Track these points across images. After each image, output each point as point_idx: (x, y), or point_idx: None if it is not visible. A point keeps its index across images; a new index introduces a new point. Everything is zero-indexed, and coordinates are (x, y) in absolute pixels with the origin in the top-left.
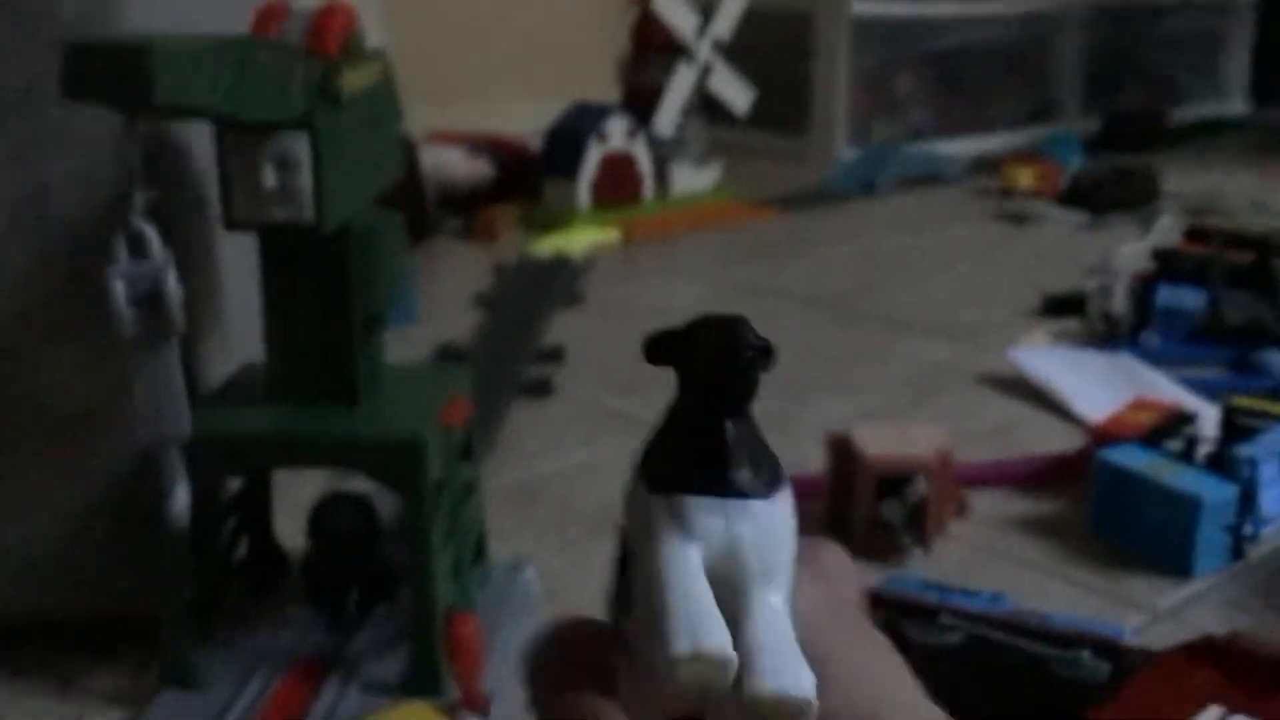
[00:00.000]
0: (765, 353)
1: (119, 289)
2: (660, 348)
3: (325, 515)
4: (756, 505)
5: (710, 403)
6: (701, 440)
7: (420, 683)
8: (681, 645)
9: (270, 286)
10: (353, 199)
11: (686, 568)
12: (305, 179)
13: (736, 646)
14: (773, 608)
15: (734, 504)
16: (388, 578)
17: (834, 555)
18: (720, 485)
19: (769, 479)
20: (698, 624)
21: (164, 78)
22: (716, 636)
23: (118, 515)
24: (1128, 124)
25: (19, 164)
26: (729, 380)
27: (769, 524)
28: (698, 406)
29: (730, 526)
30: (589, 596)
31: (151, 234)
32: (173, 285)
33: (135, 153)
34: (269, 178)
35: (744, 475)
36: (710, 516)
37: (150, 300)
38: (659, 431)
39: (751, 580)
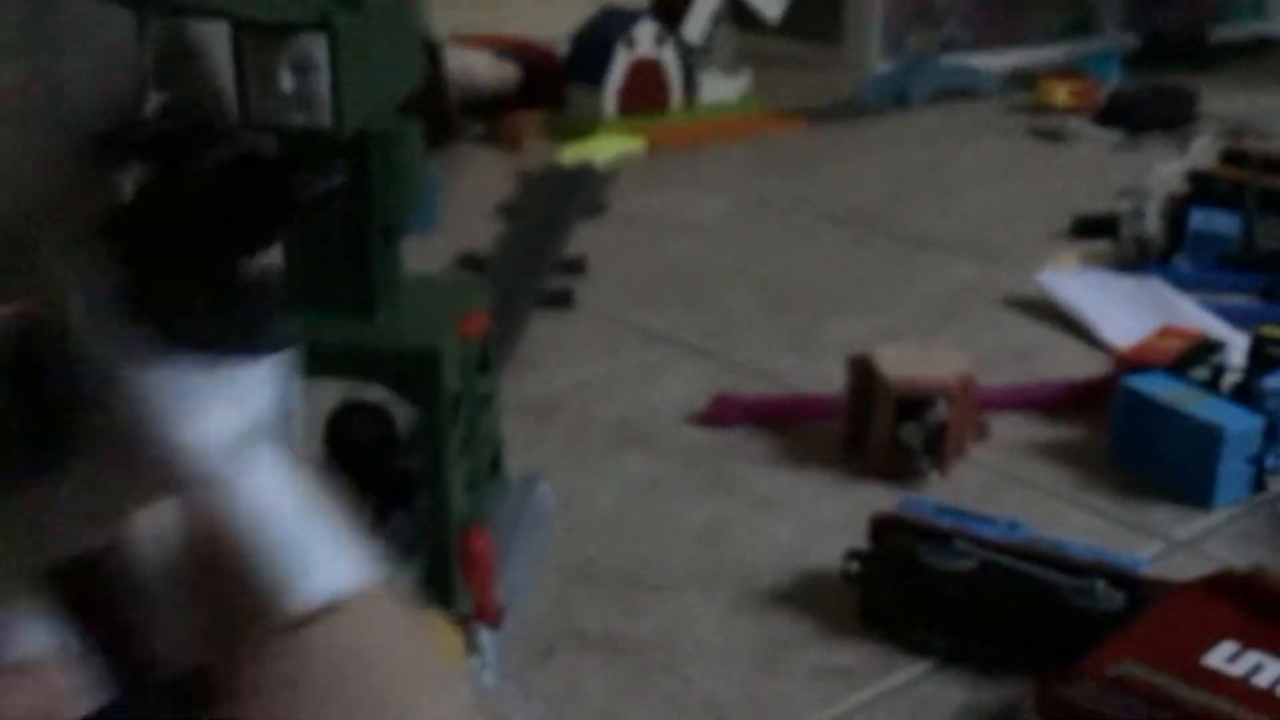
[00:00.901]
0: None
1: (129, 192)
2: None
3: (342, 424)
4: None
5: None
6: None
7: (433, 593)
8: None
9: None
10: (371, 105)
11: None
12: (323, 83)
13: None
14: None
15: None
16: (404, 488)
17: None
18: None
19: None
20: None
21: None
22: None
23: None
24: (1168, 41)
25: (31, 62)
26: None
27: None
28: None
29: None
30: (603, 512)
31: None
32: None
33: (148, 52)
34: (286, 81)
35: None
36: None
37: None
38: None
39: None
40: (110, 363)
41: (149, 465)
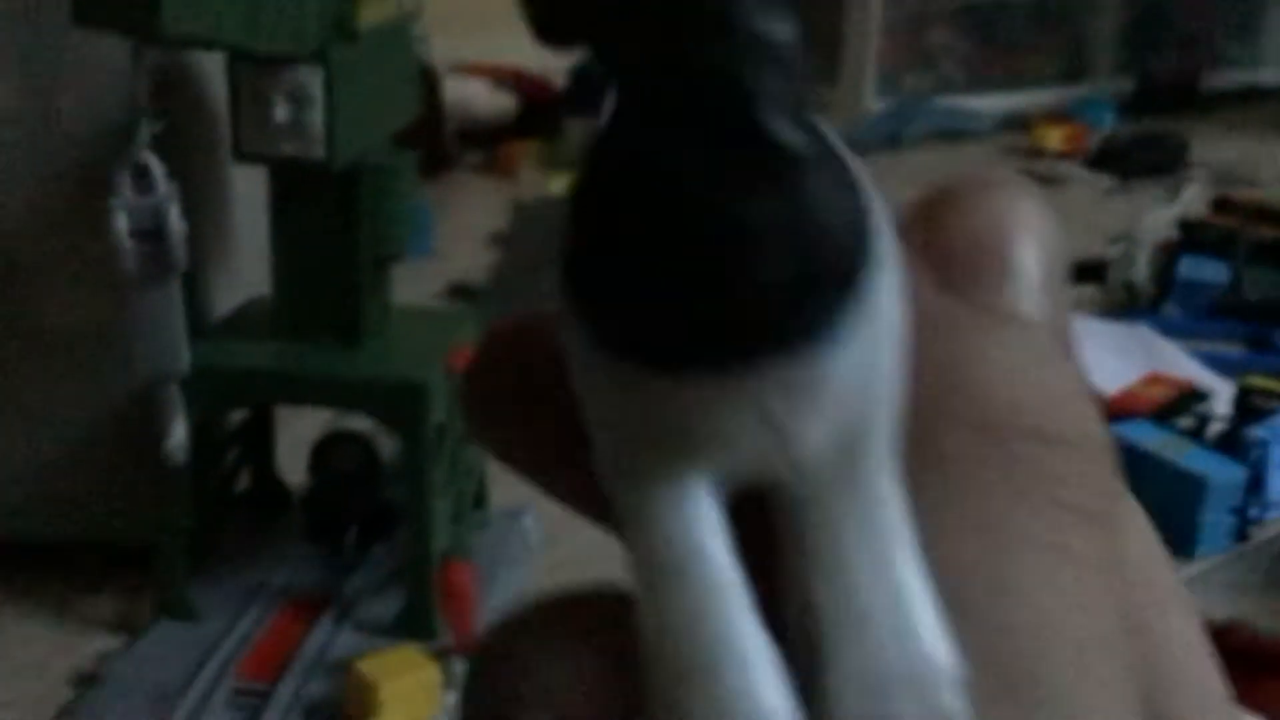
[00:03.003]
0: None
1: (121, 222)
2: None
3: (326, 453)
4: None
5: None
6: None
7: (413, 625)
8: None
9: (279, 222)
10: (365, 137)
11: (703, 572)
12: (317, 114)
13: (806, 647)
14: (869, 541)
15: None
16: (387, 518)
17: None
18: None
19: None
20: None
21: (173, 7)
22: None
23: (118, 442)
24: (1161, 87)
25: (30, 88)
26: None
27: (848, 377)
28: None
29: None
30: (588, 545)
31: (156, 167)
32: (175, 220)
33: (143, 82)
34: (280, 111)
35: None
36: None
37: (152, 235)
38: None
39: (819, 500)
40: None
41: None
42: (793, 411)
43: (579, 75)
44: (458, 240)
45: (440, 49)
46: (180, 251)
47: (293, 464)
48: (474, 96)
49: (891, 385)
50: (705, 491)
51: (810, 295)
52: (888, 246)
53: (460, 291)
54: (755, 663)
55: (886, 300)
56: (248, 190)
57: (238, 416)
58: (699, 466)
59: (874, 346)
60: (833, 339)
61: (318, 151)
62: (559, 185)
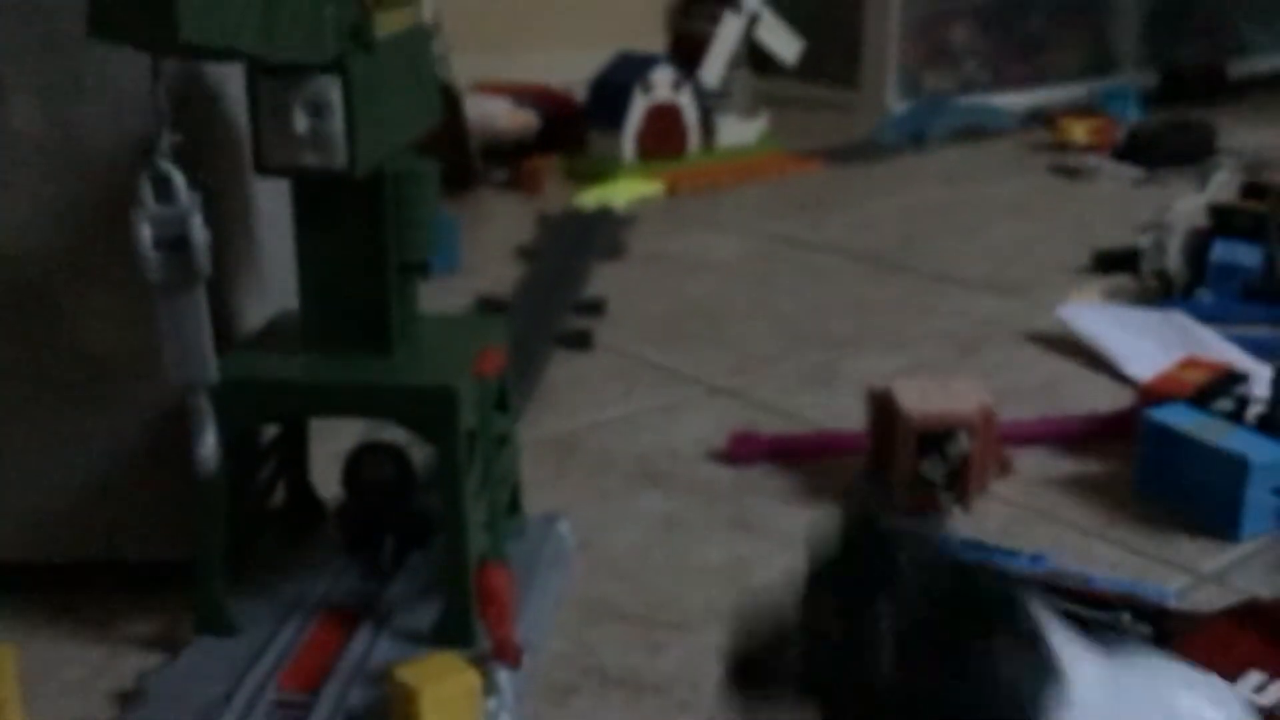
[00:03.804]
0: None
1: (144, 233)
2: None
3: (360, 464)
4: None
5: None
6: None
7: (452, 633)
8: None
9: (303, 233)
10: (386, 145)
11: None
12: (337, 124)
13: None
14: None
15: None
16: (422, 528)
17: None
18: None
19: None
20: None
21: (190, 17)
22: None
23: (154, 461)
24: (1186, 77)
25: (48, 106)
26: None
27: None
28: None
29: None
30: (623, 550)
31: (177, 177)
32: (198, 230)
33: (162, 94)
34: (300, 122)
35: None
36: None
37: (176, 244)
38: None
39: None
40: None
41: None
42: None
43: (599, 89)
44: (485, 255)
45: (460, 68)
46: (205, 260)
47: (328, 477)
48: (496, 114)
49: None
50: None
51: None
52: None
53: (488, 304)
54: None
55: None
56: (271, 203)
57: (271, 432)
58: None
59: None
60: None
61: (339, 160)
62: (583, 198)
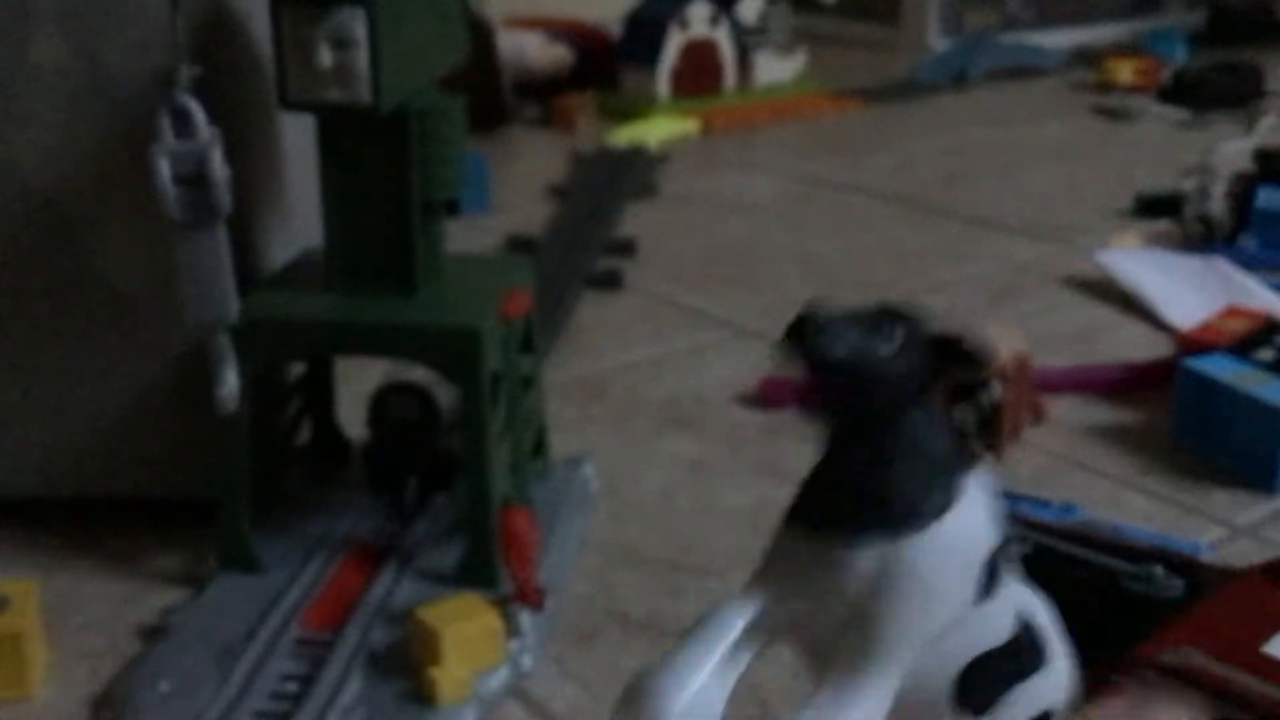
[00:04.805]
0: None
1: (163, 167)
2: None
3: (385, 404)
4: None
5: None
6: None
7: (474, 574)
8: None
9: (327, 170)
10: (412, 80)
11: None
12: (362, 58)
13: None
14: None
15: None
16: (446, 469)
17: None
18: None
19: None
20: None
21: None
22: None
23: (179, 396)
24: (1234, 17)
25: (72, 37)
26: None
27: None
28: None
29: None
30: (649, 494)
31: (197, 111)
32: (218, 164)
33: (180, 26)
34: (324, 56)
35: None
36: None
37: (196, 180)
38: None
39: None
40: None
41: None
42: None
43: (634, 24)
44: (516, 194)
45: (493, 2)
46: (224, 196)
47: (354, 417)
48: (529, 50)
49: (924, 612)
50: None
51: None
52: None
53: (519, 244)
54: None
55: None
56: (297, 139)
57: (297, 371)
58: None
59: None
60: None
61: (363, 95)
62: (616, 137)
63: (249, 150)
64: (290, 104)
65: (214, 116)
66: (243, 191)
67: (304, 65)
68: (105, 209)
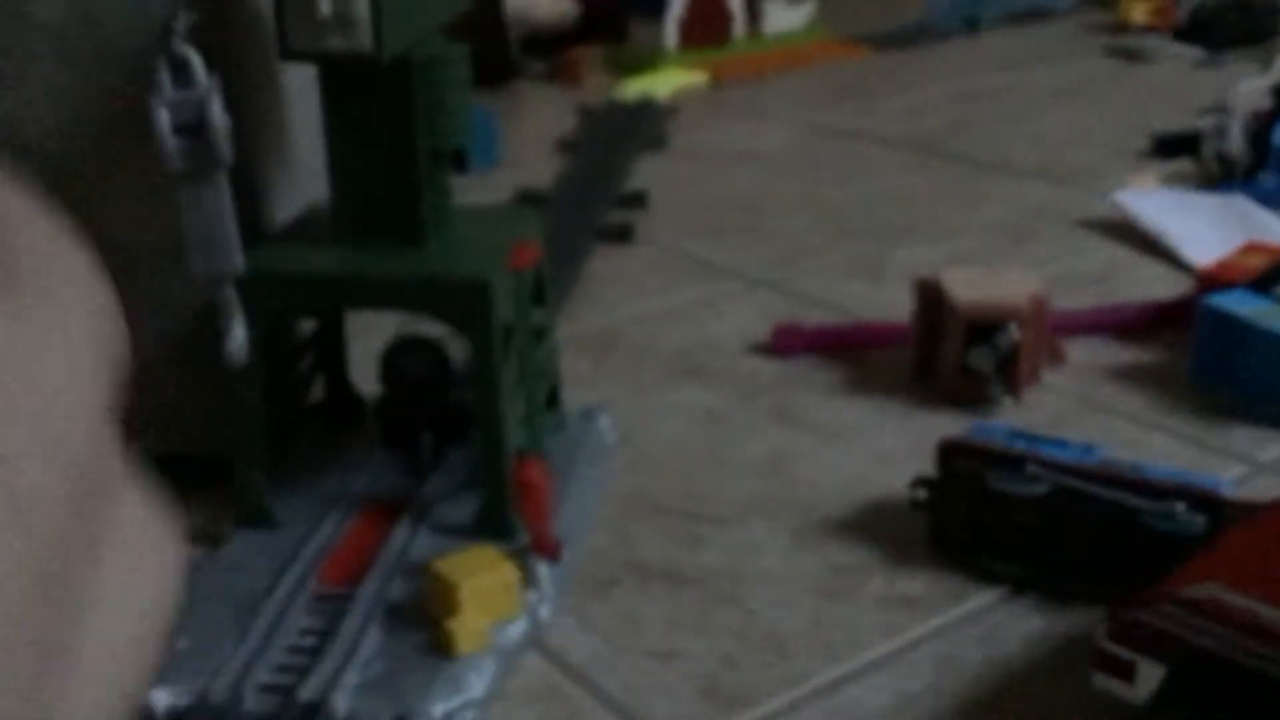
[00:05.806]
0: None
1: (163, 117)
2: None
3: (396, 359)
4: None
5: None
6: None
7: (490, 526)
8: None
9: (331, 120)
10: (414, 27)
11: None
12: (362, 5)
13: None
14: None
15: None
16: (460, 422)
17: None
18: None
19: None
20: None
21: None
22: None
23: (191, 353)
24: None
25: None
26: None
27: None
28: None
29: None
30: (663, 444)
31: (196, 60)
32: (218, 114)
33: None
34: (324, 5)
35: None
36: None
37: (196, 130)
38: None
39: None
40: None
41: None
42: None
43: None
44: (525, 148)
45: None
46: (225, 146)
47: (367, 374)
48: (535, 3)
49: None
50: None
51: None
52: None
53: (530, 198)
54: None
55: None
56: (301, 91)
57: (308, 326)
58: None
59: None
60: None
61: (365, 44)
62: (624, 89)
63: (252, 104)
64: (291, 54)
65: (215, 70)
66: (246, 146)
67: (304, 13)
68: (106, 164)
